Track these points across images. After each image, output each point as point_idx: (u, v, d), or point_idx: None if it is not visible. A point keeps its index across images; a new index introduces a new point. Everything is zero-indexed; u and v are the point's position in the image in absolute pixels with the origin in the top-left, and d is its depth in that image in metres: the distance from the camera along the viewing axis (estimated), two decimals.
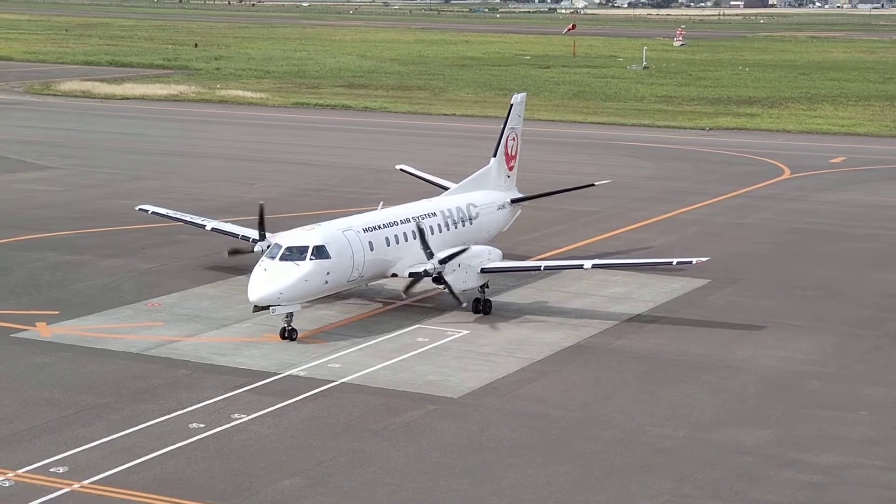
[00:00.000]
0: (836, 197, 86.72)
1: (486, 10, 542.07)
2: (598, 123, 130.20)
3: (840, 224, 76.65)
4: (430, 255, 51.27)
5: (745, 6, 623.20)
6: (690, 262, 54.90)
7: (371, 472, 35.94)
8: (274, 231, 53.13)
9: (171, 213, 62.60)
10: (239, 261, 55.63)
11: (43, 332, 49.44)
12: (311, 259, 48.09)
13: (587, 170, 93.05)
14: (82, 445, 37.24)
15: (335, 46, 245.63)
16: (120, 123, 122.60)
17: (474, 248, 53.15)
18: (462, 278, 51.80)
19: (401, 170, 72.09)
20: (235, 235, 57.53)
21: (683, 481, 35.85)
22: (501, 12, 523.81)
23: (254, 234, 53.92)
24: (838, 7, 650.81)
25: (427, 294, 54.93)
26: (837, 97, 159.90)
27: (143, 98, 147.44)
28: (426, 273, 51.31)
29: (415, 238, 52.38)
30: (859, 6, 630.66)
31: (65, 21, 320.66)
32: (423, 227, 52.51)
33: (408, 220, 53.82)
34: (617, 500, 34.54)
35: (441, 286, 51.59)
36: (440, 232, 55.19)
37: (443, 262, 51.23)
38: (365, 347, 48.15)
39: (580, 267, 55.82)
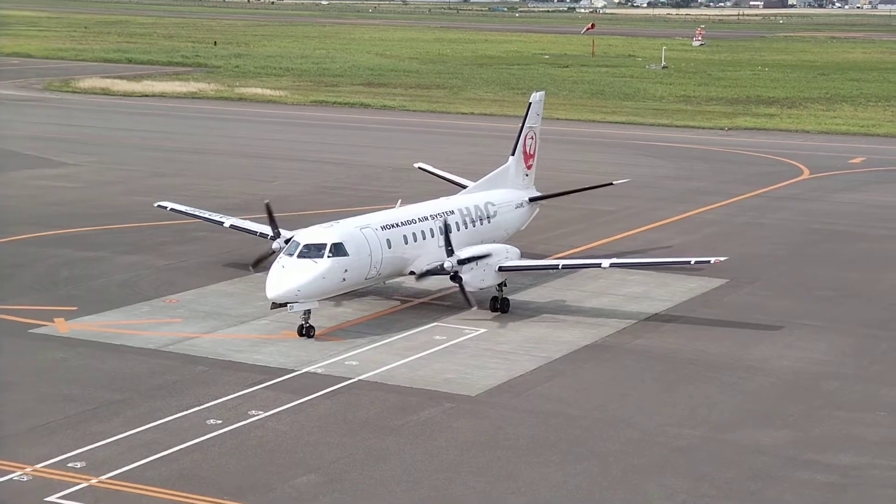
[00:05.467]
0: (855, 197, 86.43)
1: (505, 9, 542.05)
2: (616, 123, 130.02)
3: (859, 225, 76.40)
4: (451, 253, 51.24)
5: (765, 6, 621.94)
6: (708, 262, 54.81)
7: (387, 470, 35.96)
8: (292, 229, 53.23)
9: (190, 209, 62.69)
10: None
11: (61, 327, 49.59)
12: (328, 256, 48.11)
13: (605, 169, 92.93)
14: (100, 441, 37.35)
15: (354, 45, 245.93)
16: (139, 121, 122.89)
17: (495, 249, 53.08)
18: (480, 276, 51.75)
19: (419, 168, 72.11)
20: (253, 232, 57.60)
21: (700, 481, 35.78)
22: (520, 11, 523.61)
23: (268, 230, 53.96)
24: (858, 7, 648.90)
25: (444, 292, 54.95)
26: (857, 98, 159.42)
27: (161, 95, 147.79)
28: (443, 269, 51.29)
29: (433, 236, 52.60)
30: (880, 6, 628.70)
31: (84, 18, 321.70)
32: (448, 223, 52.53)
33: (426, 218, 53.83)
34: (633, 499, 34.49)
35: (456, 285, 51.53)
36: (458, 230, 55.14)
37: (462, 262, 51.19)
38: (382, 345, 48.17)
39: (598, 266, 55.63)
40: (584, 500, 34.33)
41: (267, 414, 40.20)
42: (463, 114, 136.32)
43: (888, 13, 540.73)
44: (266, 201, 54.23)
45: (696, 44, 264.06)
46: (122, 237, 67.22)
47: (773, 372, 46.24)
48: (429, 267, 52.04)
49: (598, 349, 48.68)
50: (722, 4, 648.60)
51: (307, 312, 48.26)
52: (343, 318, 51.54)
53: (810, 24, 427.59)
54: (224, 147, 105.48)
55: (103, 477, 34.70)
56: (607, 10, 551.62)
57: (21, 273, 58.62)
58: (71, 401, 40.97)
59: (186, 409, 40.33)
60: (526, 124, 62.71)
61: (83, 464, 35.58)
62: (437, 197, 59.47)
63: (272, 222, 53.36)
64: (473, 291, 51.86)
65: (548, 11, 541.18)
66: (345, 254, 48.66)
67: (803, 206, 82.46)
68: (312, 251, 48.12)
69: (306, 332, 48.46)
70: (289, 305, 47.78)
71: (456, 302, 53.47)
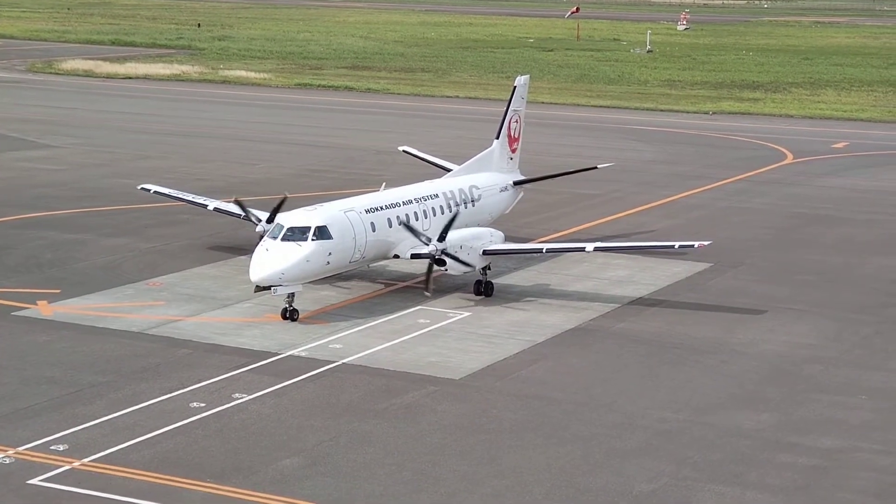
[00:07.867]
0: (838, 182, 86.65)
1: None
2: (601, 107, 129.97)
3: (842, 209, 76.60)
4: (427, 241, 51.19)
5: None
6: (692, 246, 54.88)
7: (371, 453, 36.00)
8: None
9: (173, 192, 62.57)
10: (243, 242, 55.50)
11: (44, 310, 49.47)
12: (312, 239, 48.06)
13: (590, 153, 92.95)
14: (83, 423, 37.30)
15: (338, 27, 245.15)
16: (122, 103, 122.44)
17: (478, 232, 53.03)
18: (464, 259, 51.69)
19: (403, 151, 72.06)
20: (237, 216, 57.37)
21: (683, 464, 35.90)
22: None
23: (263, 215, 52.92)
24: None
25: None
26: (840, 82, 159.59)
27: (145, 77, 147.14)
28: (431, 258, 50.96)
29: (417, 219, 52.61)
30: None
31: None
32: (404, 219, 52.06)
33: (410, 202, 53.78)
34: (616, 482, 34.58)
35: (443, 268, 51.42)
36: (442, 214, 55.11)
37: (441, 239, 50.98)
38: (366, 328, 48.16)
39: (582, 250, 55.68)
40: (566, 482, 34.41)
41: (250, 397, 40.20)
42: (447, 97, 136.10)
43: None
44: (286, 194, 52.12)
45: (680, 28, 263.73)
46: (106, 220, 67.06)
47: (756, 356, 46.39)
48: (415, 252, 51.65)
49: (581, 333, 48.76)
50: None
51: (291, 295, 48.23)
52: (327, 302, 51.51)
53: (794, 8, 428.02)
54: (208, 130, 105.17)
55: (86, 460, 34.65)
56: None
57: (3, 255, 58.43)
58: (54, 383, 40.90)
59: (170, 392, 40.30)
60: (510, 108, 62.69)
61: (66, 446, 35.53)
62: (422, 180, 59.46)
63: (275, 210, 51.25)
64: (457, 275, 52.04)
65: None
66: (329, 237, 48.61)
67: (787, 191, 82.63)
68: (296, 234, 48.05)
69: (290, 315, 48.41)
70: (272, 289, 47.75)
71: (440, 285, 53.46)
